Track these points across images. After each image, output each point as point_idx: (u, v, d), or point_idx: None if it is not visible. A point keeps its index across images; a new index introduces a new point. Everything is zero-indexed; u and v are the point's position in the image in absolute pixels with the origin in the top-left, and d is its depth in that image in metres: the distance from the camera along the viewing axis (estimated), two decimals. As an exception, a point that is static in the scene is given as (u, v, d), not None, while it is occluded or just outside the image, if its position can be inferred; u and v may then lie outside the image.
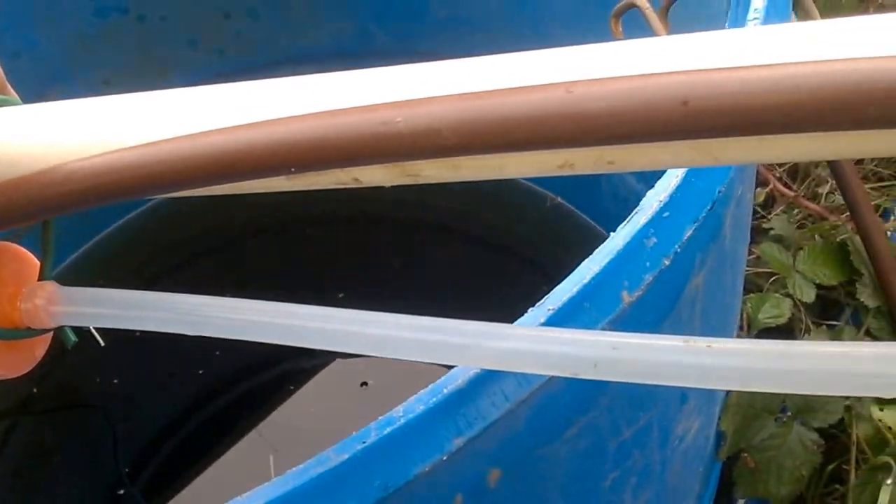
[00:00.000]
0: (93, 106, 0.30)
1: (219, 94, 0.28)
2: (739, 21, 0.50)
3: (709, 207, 0.39)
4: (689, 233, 0.38)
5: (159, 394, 0.99)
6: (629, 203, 0.42)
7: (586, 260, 0.37)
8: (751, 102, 0.20)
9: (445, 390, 0.33)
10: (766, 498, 0.77)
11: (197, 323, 0.32)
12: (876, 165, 1.02)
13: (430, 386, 0.34)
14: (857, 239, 0.81)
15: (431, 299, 0.98)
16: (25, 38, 0.95)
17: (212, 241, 1.09)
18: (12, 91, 0.33)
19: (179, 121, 0.27)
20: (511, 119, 0.22)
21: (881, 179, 0.99)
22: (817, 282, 0.81)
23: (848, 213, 0.81)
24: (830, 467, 0.81)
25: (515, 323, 0.35)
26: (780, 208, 0.95)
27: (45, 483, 0.90)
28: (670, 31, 0.61)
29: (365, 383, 0.93)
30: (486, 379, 0.34)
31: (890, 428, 0.79)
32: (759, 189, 0.92)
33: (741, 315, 0.82)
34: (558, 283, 0.37)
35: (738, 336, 0.80)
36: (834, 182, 0.85)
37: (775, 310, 0.80)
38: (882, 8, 1.03)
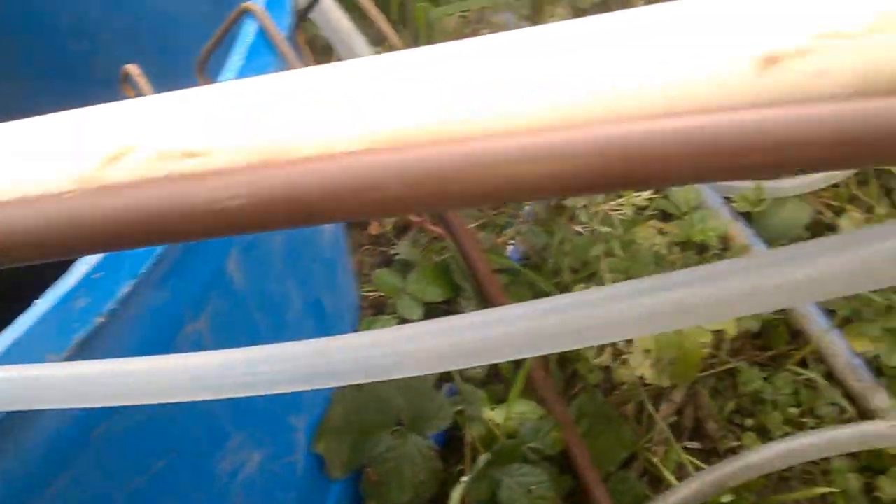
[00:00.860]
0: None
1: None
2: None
3: (153, 263, 0.42)
4: (126, 289, 0.40)
5: None
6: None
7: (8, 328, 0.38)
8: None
9: None
10: (397, 506, 0.82)
11: None
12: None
13: None
14: (460, 257, 0.90)
15: None
16: None
17: None
18: None
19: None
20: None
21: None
22: (427, 300, 0.89)
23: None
24: (459, 468, 0.88)
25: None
26: (412, 234, 1.03)
27: None
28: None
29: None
30: None
31: (498, 425, 0.88)
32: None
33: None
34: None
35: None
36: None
37: (383, 331, 0.86)
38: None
